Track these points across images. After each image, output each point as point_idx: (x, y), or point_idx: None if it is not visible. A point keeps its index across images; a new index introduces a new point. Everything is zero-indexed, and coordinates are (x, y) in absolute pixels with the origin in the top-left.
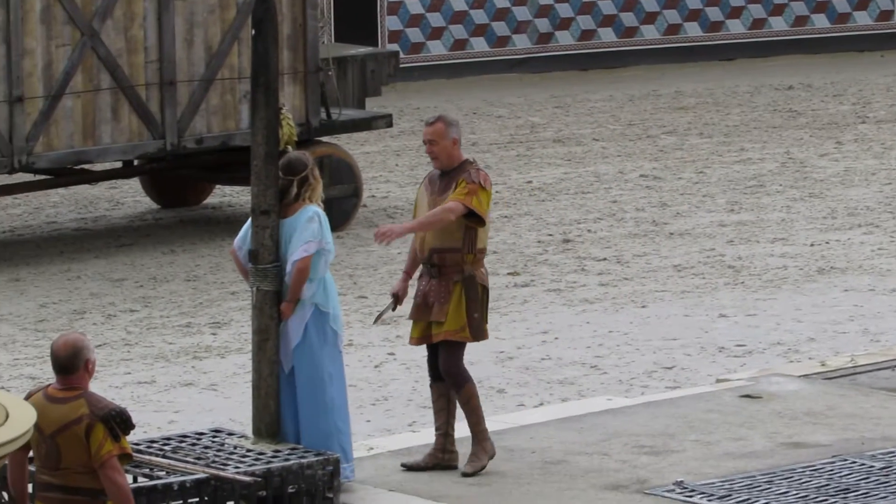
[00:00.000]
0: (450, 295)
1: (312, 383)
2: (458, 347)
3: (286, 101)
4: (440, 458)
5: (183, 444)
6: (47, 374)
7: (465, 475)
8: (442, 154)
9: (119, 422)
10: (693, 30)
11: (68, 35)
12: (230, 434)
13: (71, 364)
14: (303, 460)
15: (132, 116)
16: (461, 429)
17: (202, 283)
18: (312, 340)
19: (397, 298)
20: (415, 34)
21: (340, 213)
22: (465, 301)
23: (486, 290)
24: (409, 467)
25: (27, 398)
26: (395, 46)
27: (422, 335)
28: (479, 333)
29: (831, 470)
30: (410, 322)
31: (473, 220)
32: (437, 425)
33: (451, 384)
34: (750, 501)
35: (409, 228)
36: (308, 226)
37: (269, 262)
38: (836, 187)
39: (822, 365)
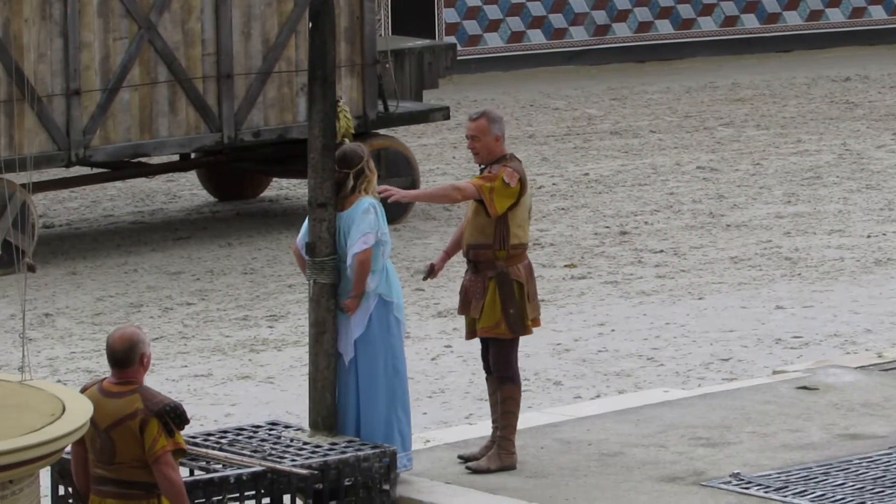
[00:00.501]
0: (484, 291)
1: (374, 373)
2: (508, 345)
3: (343, 94)
4: None
5: (239, 437)
6: (104, 368)
7: (467, 467)
8: (483, 150)
9: (173, 417)
10: (750, 21)
11: (125, 28)
12: (287, 427)
13: (126, 358)
14: (359, 453)
15: (189, 109)
16: (520, 421)
17: (259, 276)
18: (375, 331)
19: (432, 269)
20: (472, 26)
21: (397, 205)
22: (499, 297)
23: (521, 286)
24: (465, 459)
25: (82, 391)
26: (452, 39)
27: (470, 330)
28: (519, 328)
29: (888, 461)
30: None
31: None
32: (493, 418)
33: (496, 378)
34: (807, 493)
35: (413, 196)
36: (364, 217)
37: (326, 254)
38: (893, 179)
39: (879, 356)
